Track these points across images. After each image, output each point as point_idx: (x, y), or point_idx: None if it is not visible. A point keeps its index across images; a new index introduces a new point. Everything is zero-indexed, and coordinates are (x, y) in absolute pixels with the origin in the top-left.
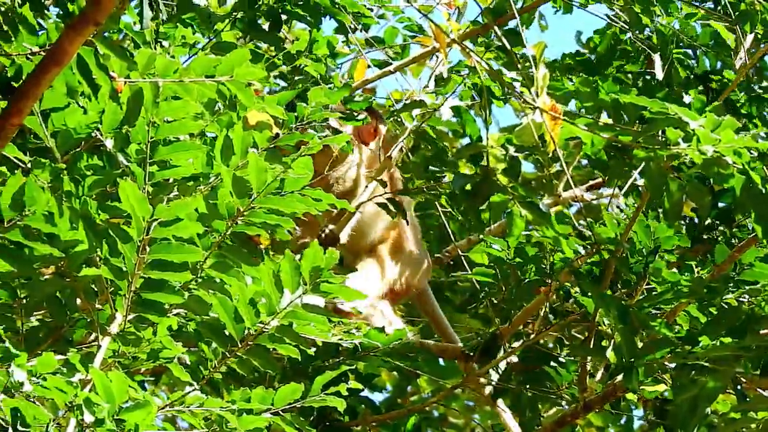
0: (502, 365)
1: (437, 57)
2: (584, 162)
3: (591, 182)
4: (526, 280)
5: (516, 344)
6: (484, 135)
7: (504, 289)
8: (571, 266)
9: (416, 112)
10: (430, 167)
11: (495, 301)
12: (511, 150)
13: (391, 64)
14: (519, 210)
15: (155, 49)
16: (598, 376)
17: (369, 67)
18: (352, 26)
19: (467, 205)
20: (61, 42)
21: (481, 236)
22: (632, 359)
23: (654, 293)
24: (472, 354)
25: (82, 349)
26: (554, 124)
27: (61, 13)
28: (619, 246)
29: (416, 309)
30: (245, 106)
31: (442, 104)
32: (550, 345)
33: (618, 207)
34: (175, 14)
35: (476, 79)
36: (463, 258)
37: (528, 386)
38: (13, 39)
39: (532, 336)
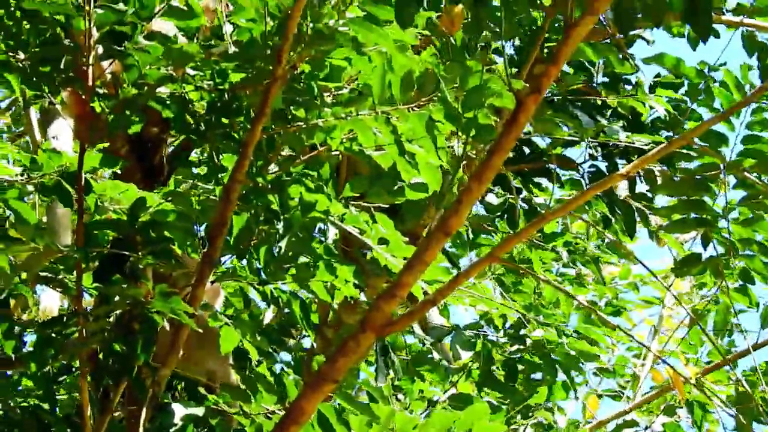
0: None
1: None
2: None
3: None
4: None
5: None
6: None
7: None
8: None
9: None
10: None
11: None
12: None
13: (621, 394)
14: None
15: (393, 403)
16: None
17: (600, 397)
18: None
19: None
20: (299, 401)
21: None
22: None
23: None
24: None
25: None
26: None
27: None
28: None
29: None
30: None
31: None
32: None
33: None
34: (409, 368)
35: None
36: None
37: None
38: (252, 399)
39: None
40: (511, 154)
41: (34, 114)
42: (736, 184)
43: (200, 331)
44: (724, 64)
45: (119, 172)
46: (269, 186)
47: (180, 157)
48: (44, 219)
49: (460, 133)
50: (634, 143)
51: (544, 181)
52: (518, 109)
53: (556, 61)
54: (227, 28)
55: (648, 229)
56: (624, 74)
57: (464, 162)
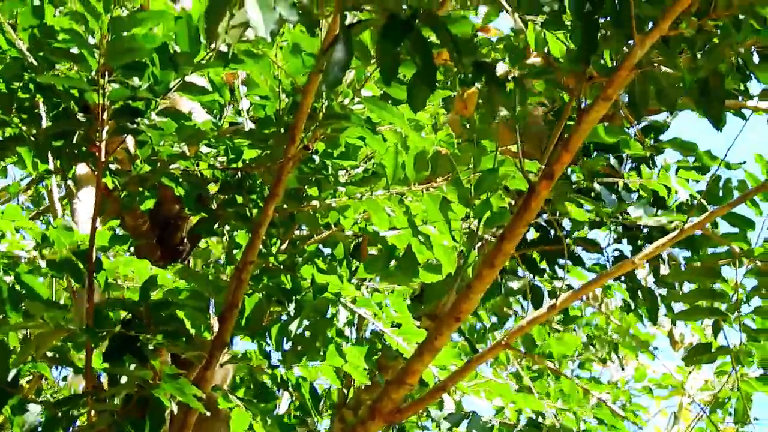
0: None
1: None
2: None
3: None
4: None
5: None
6: None
7: None
8: None
9: None
10: None
11: None
12: None
13: None
14: None
15: None
16: None
17: None
18: None
19: None
20: None
21: None
22: None
23: None
24: None
25: None
26: None
27: None
28: None
29: None
30: None
31: None
32: None
33: None
34: None
35: None
36: None
37: None
38: None
39: None
40: (536, 235)
41: (56, 190)
42: (748, 271)
43: (208, 414)
44: (744, 162)
45: (132, 249)
46: (281, 266)
47: (200, 235)
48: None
49: (472, 216)
50: (656, 224)
51: (569, 263)
52: (530, 195)
53: (569, 147)
54: (244, 104)
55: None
56: (640, 156)
57: (480, 243)
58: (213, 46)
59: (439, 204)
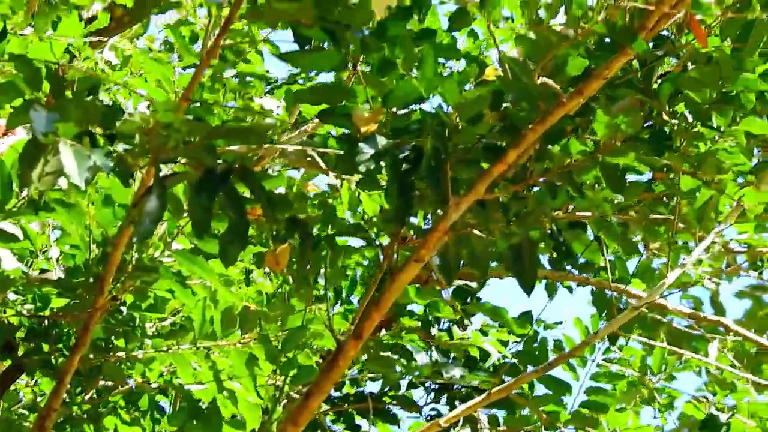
0: None
1: None
2: None
3: None
4: None
5: None
6: None
7: None
8: None
9: None
10: None
11: None
12: None
13: None
14: None
15: None
16: None
17: None
18: None
19: None
20: None
21: None
22: None
23: None
24: None
25: None
26: None
27: None
28: None
29: None
30: None
31: None
32: None
33: None
34: None
35: None
36: None
37: None
38: None
39: None
40: (352, 391)
41: None
42: None
43: None
44: (561, 322)
45: None
46: (85, 416)
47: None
48: None
49: (278, 373)
50: (468, 384)
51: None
52: (338, 353)
53: (380, 306)
54: (53, 252)
55: None
56: (452, 320)
57: (284, 401)
58: (25, 193)
59: (245, 360)
